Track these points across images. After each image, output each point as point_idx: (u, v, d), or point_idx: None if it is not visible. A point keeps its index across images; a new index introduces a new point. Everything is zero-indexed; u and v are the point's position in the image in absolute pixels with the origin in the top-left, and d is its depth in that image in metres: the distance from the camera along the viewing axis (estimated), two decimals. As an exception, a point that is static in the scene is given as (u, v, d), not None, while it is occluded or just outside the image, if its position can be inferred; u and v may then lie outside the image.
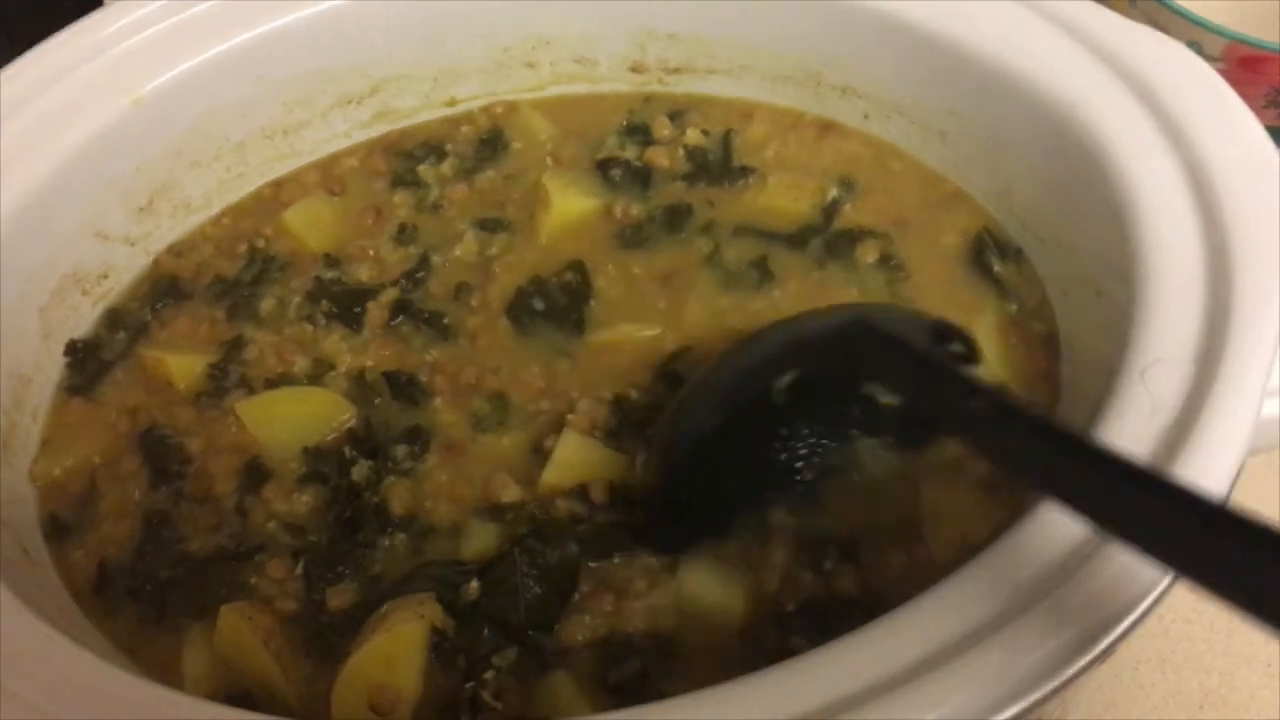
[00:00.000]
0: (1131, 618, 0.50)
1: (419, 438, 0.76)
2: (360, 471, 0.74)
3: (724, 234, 0.86)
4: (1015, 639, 0.50)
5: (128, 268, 0.89)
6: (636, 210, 0.88)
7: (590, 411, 0.75)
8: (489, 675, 0.63)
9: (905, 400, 0.63)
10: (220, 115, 0.90)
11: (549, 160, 0.94)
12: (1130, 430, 0.58)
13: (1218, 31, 1.00)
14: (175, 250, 0.91)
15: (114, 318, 0.87)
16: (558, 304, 0.82)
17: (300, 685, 0.65)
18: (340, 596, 0.68)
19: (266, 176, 0.95)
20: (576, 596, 0.67)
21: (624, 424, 0.75)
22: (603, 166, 0.92)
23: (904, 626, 0.52)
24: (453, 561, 0.69)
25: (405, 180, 0.94)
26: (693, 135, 0.94)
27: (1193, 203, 0.67)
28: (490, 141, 0.97)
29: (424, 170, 0.95)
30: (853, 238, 0.85)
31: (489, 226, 0.89)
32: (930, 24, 0.83)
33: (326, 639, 0.67)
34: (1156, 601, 0.51)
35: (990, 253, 0.82)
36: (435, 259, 0.88)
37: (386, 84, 0.96)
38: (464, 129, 0.98)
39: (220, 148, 0.92)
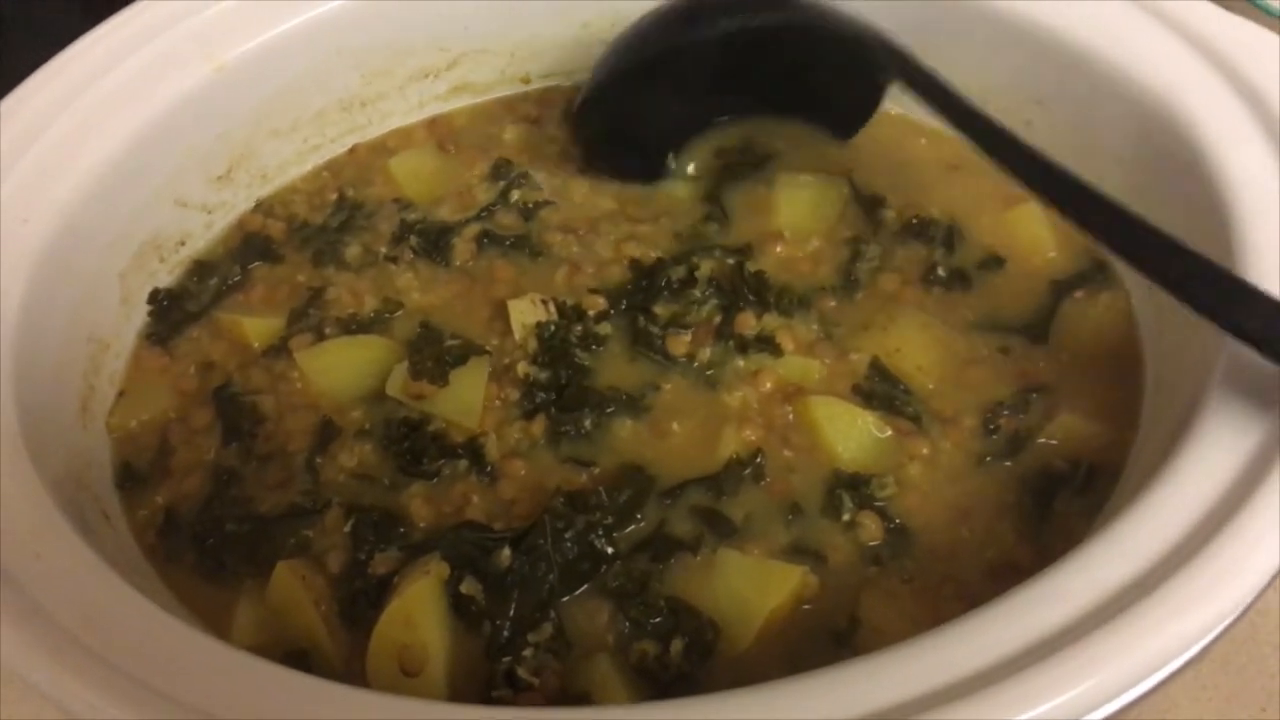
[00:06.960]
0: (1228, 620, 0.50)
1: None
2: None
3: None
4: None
5: (203, 235, 0.90)
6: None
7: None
8: (527, 653, 0.63)
9: None
10: (301, 84, 0.90)
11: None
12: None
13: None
14: (264, 207, 0.92)
15: (201, 269, 0.88)
16: None
17: (345, 648, 0.66)
18: (385, 564, 0.68)
19: (340, 149, 0.96)
20: (605, 569, 0.67)
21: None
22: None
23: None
24: (484, 528, 0.69)
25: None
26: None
27: (1293, 200, 0.65)
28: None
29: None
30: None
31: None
32: (1021, 10, 0.82)
33: (359, 608, 0.67)
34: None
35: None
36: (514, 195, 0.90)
37: (465, 58, 0.96)
38: None
39: (299, 117, 0.92)
